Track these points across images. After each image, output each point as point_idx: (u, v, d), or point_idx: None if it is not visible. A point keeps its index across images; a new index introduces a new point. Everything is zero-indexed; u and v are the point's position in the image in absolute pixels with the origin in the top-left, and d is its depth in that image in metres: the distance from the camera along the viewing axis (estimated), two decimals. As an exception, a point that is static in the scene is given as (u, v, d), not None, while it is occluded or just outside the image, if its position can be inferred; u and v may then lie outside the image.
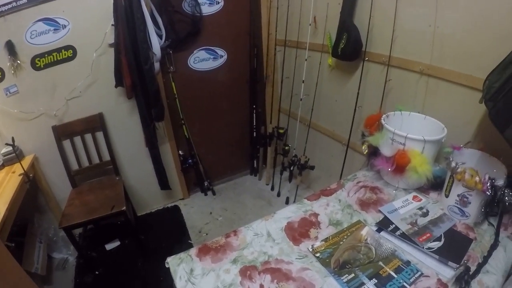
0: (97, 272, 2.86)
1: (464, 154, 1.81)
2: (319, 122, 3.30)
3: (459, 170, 1.64)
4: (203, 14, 3.09)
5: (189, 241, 3.20)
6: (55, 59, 2.63)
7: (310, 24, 2.89)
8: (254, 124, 3.89)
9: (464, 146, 1.82)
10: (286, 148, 3.58)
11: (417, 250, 1.56)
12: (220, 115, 3.71)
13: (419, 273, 1.44)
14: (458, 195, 1.69)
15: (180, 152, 3.55)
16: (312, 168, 3.33)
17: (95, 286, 2.77)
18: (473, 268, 1.42)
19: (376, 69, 2.46)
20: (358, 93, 2.58)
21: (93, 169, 3.04)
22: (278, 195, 3.79)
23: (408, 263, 1.50)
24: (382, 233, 1.69)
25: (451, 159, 1.71)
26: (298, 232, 1.74)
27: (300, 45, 3.16)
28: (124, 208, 2.61)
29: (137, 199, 3.46)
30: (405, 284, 1.39)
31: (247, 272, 1.50)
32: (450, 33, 1.92)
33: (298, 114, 3.33)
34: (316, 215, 1.86)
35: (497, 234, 1.62)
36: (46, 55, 2.59)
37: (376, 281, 1.41)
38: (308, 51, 3.00)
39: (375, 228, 1.73)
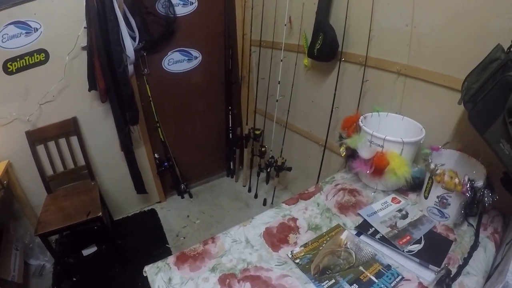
0: (74, 279, 2.78)
1: (442, 155, 1.81)
2: (295, 123, 3.28)
3: (438, 171, 1.63)
4: (177, 15, 3.02)
5: (167, 245, 3.14)
6: (28, 63, 2.53)
7: (285, 24, 2.86)
8: (230, 125, 3.83)
9: (443, 147, 1.82)
10: (263, 149, 3.55)
11: (398, 254, 1.55)
12: (195, 117, 3.66)
13: (400, 277, 1.43)
14: (438, 197, 1.69)
15: (156, 155, 3.48)
16: (289, 169, 3.32)
17: (73, 293, 2.70)
18: (453, 270, 1.42)
19: (352, 70, 2.45)
20: (334, 94, 2.56)
21: (68, 174, 2.95)
22: (256, 196, 3.75)
23: (388, 267, 1.48)
24: (362, 237, 1.67)
25: (430, 161, 1.70)
26: (277, 237, 1.70)
27: (275, 46, 3.13)
28: (100, 214, 2.55)
29: (113, 203, 3.38)
30: (386, 288, 1.37)
31: (226, 280, 1.46)
32: (427, 32, 1.91)
33: (274, 115, 3.31)
34: (294, 219, 1.83)
35: (476, 234, 1.63)
36: (18, 59, 2.48)
37: (357, 286, 1.39)
38: (284, 51, 2.97)
39: (354, 232, 1.71)
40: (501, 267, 1.40)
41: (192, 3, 3.11)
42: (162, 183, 3.68)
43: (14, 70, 2.50)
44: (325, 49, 2.42)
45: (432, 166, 1.67)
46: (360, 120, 2.07)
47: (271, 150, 3.49)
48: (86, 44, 2.59)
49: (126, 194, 3.42)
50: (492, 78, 1.37)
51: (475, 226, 1.67)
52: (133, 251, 3.06)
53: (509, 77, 1.22)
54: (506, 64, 1.34)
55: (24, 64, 2.52)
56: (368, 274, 1.44)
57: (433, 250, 1.56)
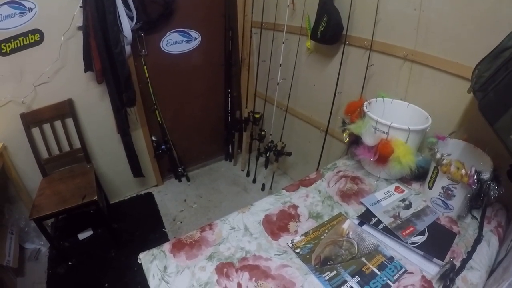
0: (70, 263, 2.77)
1: (448, 145, 1.77)
2: (296, 107, 3.23)
3: (444, 162, 1.59)
4: (176, -5, 2.94)
5: (163, 229, 3.13)
6: (22, 44, 2.47)
7: (288, 6, 2.79)
8: (229, 108, 3.81)
9: (449, 136, 1.78)
10: (262, 133, 3.52)
11: (401, 245, 1.52)
12: (194, 99, 3.60)
13: (403, 269, 1.40)
14: (443, 188, 1.65)
15: (153, 138, 3.44)
16: (289, 154, 3.28)
17: (69, 277, 2.68)
18: (457, 264, 1.39)
19: (357, 54, 2.39)
20: (338, 78, 2.51)
21: (64, 157, 2.91)
22: (254, 181, 3.73)
23: (391, 259, 1.45)
24: (364, 227, 1.64)
25: (436, 150, 1.66)
26: (277, 225, 1.66)
27: (277, 28, 3.06)
28: (95, 198, 2.53)
29: (109, 186, 3.35)
30: (388, 281, 1.34)
31: (223, 269, 1.42)
32: (436, 17, 1.84)
33: (274, 98, 3.26)
34: (295, 207, 1.79)
35: (480, 228, 1.60)
36: (12, 40, 2.42)
37: (359, 278, 1.36)
38: (286, 33, 2.91)
39: (357, 222, 1.67)
40: (505, 263, 1.38)
41: (192, -18, 3.03)
42: (160, 166, 3.66)
43: (8, 51, 2.43)
44: (329, 31, 2.36)
45: (438, 155, 1.62)
46: (364, 105, 2.02)
47: (270, 134, 3.45)
48: (82, 24, 2.53)
49: (123, 177, 3.39)
50: (505, 67, 1.31)
51: (479, 219, 1.64)
52: (129, 235, 3.05)
53: (524, 67, 1.17)
54: (520, 53, 1.29)
55: (19, 45, 2.45)
56: (371, 266, 1.41)
57: (437, 242, 1.52)
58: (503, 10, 1.55)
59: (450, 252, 1.47)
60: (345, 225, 1.64)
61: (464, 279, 1.34)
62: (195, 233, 1.62)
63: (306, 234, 1.60)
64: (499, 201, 1.72)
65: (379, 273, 1.38)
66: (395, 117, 1.85)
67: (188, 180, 3.82)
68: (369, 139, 1.89)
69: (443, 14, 1.81)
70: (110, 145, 3.16)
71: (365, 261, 1.44)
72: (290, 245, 1.54)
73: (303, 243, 1.55)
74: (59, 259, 2.80)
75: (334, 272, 1.39)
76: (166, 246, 1.55)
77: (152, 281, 1.38)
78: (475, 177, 1.48)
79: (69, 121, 2.82)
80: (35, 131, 2.72)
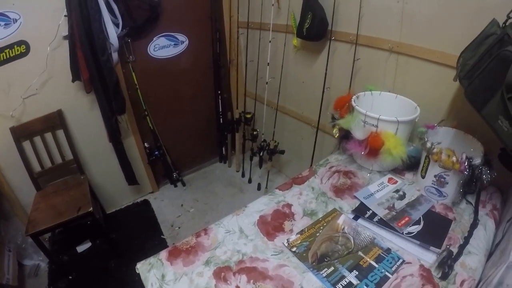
0: (70, 277, 2.74)
1: (438, 133, 1.78)
2: (287, 105, 3.23)
3: (435, 150, 1.60)
4: (161, -2, 2.93)
5: (162, 236, 3.11)
6: (8, 56, 2.43)
7: (273, 4, 2.78)
8: (220, 110, 3.78)
9: (438, 124, 1.79)
10: (255, 133, 3.51)
11: (397, 236, 1.52)
12: (184, 103, 3.59)
13: (401, 260, 1.40)
14: (435, 176, 1.66)
15: (146, 145, 3.41)
16: (282, 152, 3.27)
17: (70, 292, 2.66)
18: (455, 250, 1.40)
19: (343, 49, 2.39)
20: (325, 73, 2.51)
21: (57, 170, 2.88)
22: (249, 181, 3.72)
23: (388, 250, 1.45)
24: (360, 221, 1.64)
25: (426, 139, 1.67)
26: (272, 225, 1.66)
27: (263, 27, 3.05)
28: (90, 209, 2.50)
29: (105, 196, 3.32)
30: (387, 273, 1.35)
31: (221, 273, 1.42)
32: (419, 8, 1.86)
33: (264, 97, 3.25)
34: (289, 205, 1.79)
35: (476, 212, 1.61)
36: (-2, 53, 2.42)
37: (357, 272, 1.36)
38: (272, 32, 2.90)
39: (351, 216, 1.67)
40: (502, 245, 1.38)
41: (177, -14, 3.01)
42: (154, 172, 3.63)
43: (-6, 65, 2.41)
44: (314, 28, 2.36)
45: (428, 145, 1.63)
46: (352, 99, 2.02)
47: (263, 134, 3.45)
48: (67, 33, 2.50)
49: (118, 186, 3.36)
50: (489, 53, 1.33)
51: (473, 204, 1.65)
52: (128, 244, 3.02)
53: (507, 52, 1.17)
54: (503, 39, 1.30)
55: (5, 58, 2.42)
56: (368, 259, 1.41)
57: (433, 230, 1.53)
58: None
59: (447, 239, 1.48)
60: (340, 221, 1.64)
61: (463, 264, 1.35)
62: (190, 239, 1.62)
63: (301, 232, 1.60)
64: (493, 184, 1.73)
65: (376, 265, 1.38)
66: (384, 109, 1.86)
67: (184, 184, 3.80)
68: (359, 133, 1.89)
69: (425, 5, 1.83)
70: (103, 155, 3.13)
71: (362, 255, 1.44)
72: (286, 244, 1.54)
73: (299, 242, 1.54)
74: (59, 273, 2.77)
75: (332, 268, 1.39)
76: (163, 254, 1.54)
77: (150, 290, 1.38)
78: (466, 163, 1.49)
79: (60, 133, 2.79)
80: (26, 145, 2.68)
